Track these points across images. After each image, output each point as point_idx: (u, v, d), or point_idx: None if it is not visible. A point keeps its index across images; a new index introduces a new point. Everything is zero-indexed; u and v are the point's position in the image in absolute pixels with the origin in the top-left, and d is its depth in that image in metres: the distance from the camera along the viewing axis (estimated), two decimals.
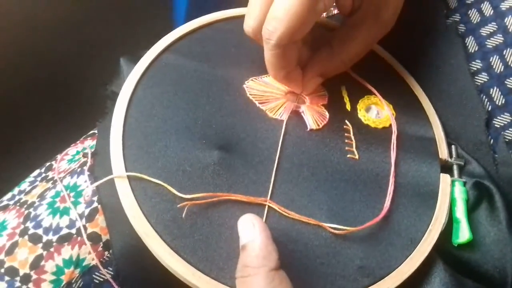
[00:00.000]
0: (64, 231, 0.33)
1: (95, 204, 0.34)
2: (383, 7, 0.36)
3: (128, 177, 0.31)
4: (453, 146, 0.39)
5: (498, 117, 0.39)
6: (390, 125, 0.38)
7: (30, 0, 0.61)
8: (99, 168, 0.35)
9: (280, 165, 0.34)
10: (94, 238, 0.33)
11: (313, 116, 0.37)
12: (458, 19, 0.43)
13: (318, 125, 0.37)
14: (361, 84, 0.40)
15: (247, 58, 0.39)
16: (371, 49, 0.43)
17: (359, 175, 0.35)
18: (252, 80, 0.38)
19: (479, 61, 0.40)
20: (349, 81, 0.40)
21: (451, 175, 0.37)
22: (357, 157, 0.36)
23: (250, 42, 0.36)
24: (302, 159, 0.35)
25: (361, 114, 0.38)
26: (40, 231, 0.33)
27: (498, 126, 0.39)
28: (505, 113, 0.39)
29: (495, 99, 0.39)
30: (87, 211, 0.33)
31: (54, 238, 0.32)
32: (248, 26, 0.34)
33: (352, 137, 0.37)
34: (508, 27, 0.40)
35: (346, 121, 0.38)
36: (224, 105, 0.36)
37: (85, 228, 0.33)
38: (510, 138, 0.39)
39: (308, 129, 0.36)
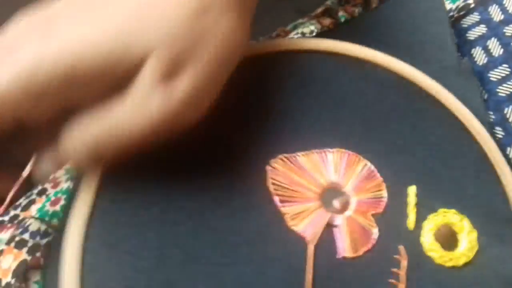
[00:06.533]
0: None
1: None
2: None
3: None
4: None
5: None
6: (465, 264, 0.26)
7: None
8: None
9: None
10: None
11: (352, 234, 0.26)
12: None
13: (356, 251, 0.26)
14: (441, 186, 0.28)
15: (280, 121, 0.28)
16: (463, 124, 0.30)
17: None
18: (281, 159, 0.27)
19: (491, 112, 0.32)
20: (425, 178, 0.28)
21: None
22: None
23: (285, 97, 0.25)
24: None
25: (426, 238, 0.27)
26: None
27: None
28: None
29: None
30: None
31: None
32: None
33: (402, 276, 0.26)
34: None
35: (400, 247, 0.26)
36: (231, 195, 0.26)
37: None
38: None
39: (339, 256, 0.25)
